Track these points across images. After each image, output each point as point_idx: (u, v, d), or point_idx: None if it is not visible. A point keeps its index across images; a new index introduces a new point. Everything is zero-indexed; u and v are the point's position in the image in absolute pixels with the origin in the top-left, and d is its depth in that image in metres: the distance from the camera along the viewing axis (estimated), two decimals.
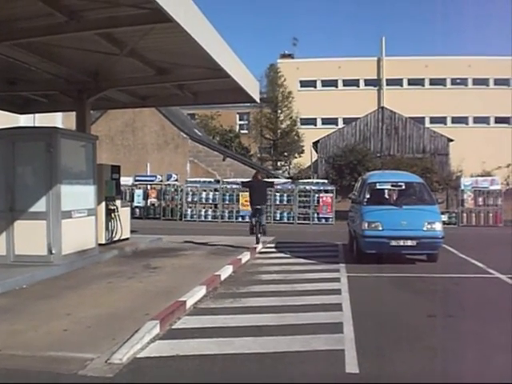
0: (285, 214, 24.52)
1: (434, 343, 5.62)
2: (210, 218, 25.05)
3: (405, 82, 49.49)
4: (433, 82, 48.86)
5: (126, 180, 22.88)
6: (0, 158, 9.67)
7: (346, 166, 30.19)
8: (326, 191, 24.59)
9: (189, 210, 25.39)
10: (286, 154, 44.42)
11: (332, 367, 4.94)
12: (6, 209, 9.54)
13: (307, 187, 24.83)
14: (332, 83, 49.99)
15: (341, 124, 44.99)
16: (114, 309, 6.84)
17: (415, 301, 7.89)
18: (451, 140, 33.57)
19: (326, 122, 48.33)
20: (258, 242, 13.54)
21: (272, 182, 19.43)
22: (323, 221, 23.95)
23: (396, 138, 33.69)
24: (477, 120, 48.08)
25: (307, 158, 41.68)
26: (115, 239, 12.82)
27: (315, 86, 50.54)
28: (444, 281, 9.47)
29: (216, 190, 25.32)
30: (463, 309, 7.32)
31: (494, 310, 7.25)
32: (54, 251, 9.45)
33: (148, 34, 9.29)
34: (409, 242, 10.80)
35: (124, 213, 13.43)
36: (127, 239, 13.55)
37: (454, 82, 48.88)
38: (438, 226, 10.99)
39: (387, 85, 49.26)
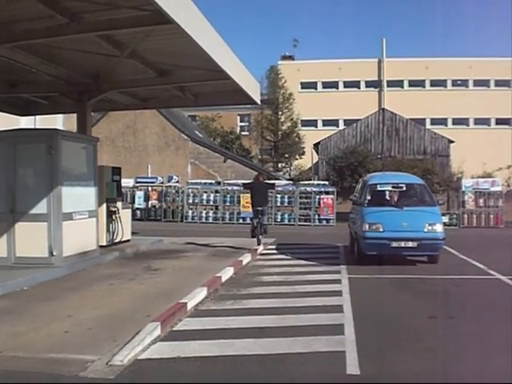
0: (286, 216, 24.50)
1: (434, 344, 5.61)
2: (210, 220, 25.03)
3: (405, 84, 49.51)
4: (433, 83, 48.87)
5: (126, 182, 22.88)
6: (1, 160, 9.69)
7: (347, 168, 30.15)
8: (327, 193, 24.57)
9: (190, 212, 25.38)
10: (286, 155, 44.43)
11: (333, 368, 4.94)
12: (6, 211, 9.55)
13: (308, 189, 24.79)
14: (333, 85, 50.00)
15: (341, 125, 45.03)
16: (115, 310, 6.84)
17: (416, 302, 7.88)
18: (452, 141, 33.54)
19: (326, 123, 48.35)
20: (259, 244, 13.53)
21: (273, 184, 19.43)
22: (324, 222, 23.93)
23: (397, 140, 33.65)
24: (477, 121, 48.08)
25: (308, 159, 41.68)
26: (116, 241, 12.83)
27: (316, 88, 50.58)
28: (445, 282, 9.47)
29: (217, 191, 25.31)
30: (464, 310, 7.32)
31: (495, 312, 7.25)
32: (54, 253, 9.45)
33: (149, 36, 9.30)
34: (410, 244, 10.79)
35: (125, 214, 13.44)
36: (128, 241, 13.56)
37: (454, 83, 48.89)
38: (439, 228, 10.97)
39: (388, 86, 49.28)
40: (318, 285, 8.96)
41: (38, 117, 17.45)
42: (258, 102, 14.94)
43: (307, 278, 9.59)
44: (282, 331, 6.06)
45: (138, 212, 25.62)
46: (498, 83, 47.89)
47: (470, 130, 46.86)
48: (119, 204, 13.19)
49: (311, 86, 50.16)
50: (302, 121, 45.23)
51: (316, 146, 36.24)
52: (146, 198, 26.22)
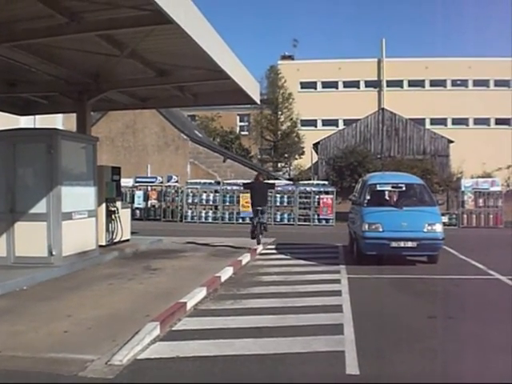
0: (285, 216, 24.51)
1: (434, 344, 5.62)
2: (210, 220, 25.04)
3: (405, 84, 49.50)
4: (433, 83, 48.87)
5: (126, 181, 22.91)
6: (0, 160, 9.69)
7: (347, 168, 30.17)
8: (327, 192, 24.58)
9: (189, 212, 25.38)
10: (286, 155, 44.42)
11: (332, 368, 4.94)
12: (6, 210, 9.55)
13: (307, 188, 24.81)
14: (332, 84, 49.99)
15: (341, 125, 45.02)
16: (115, 310, 6.84)
17: (415, 302, 7.88)
18: (451, 141, 33.56)
19: (326, 123, 48.34)
20: (258, 243, 13.55)
21: (273, 184, 19.46)
22: (323, 222, 23.94)
23: (396, 140, 33.66)
24: (477, 121, 48.08)
25: (307, 159, 41.69)
26: (115, 241, 12.83)
27: (315, 88, 50.56)
28: (444, 282, 9.47)
29: (216, 191, 25.32)
30: (463, 310, 7.32)
31: (495, 312, 7.25)
32: (54, 253, 9.45)
33: (148, 36, 9.30)
34: (409, 244, 10.79)
35: (124, 214, 13.43)
36: (127, 241, 13.56)
37: (454, 83, 48.88)
38: (439, 228, 10.98)
39: (387, 86, 49.27)
40: (318, 285, 8.96)
41: (37, 116, 17.44)
42: (258, 102, 14.95)
43: (306, 278, 9.59)
44: (282, 331, 6.07)
45: (138, 212, 25.63)
46: (498, 83, 47.89)
47: (469, 130, 46.86)
48: (119, 204, 13.19)
49: (311, 85, 50.15)
50: (301, 121, 45.20)
51: (315, 145, 36.26)
52: (146, 198, 26.24)
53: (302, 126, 45.95)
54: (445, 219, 20.08)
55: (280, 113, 44.36)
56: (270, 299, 7.81)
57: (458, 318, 6.80)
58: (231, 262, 10.80)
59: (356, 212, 12.28)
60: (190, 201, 25.49)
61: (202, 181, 26.27)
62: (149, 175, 29.17)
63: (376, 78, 49.71)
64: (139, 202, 26.06)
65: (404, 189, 12.26)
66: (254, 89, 13.65)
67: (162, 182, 26.74)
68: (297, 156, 44.30)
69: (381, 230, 10.89)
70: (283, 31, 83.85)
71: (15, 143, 9.70)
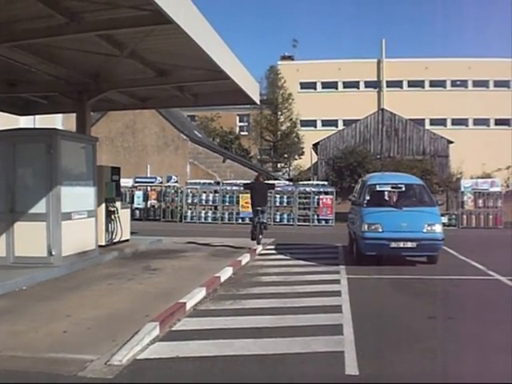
0: (285, 216, 24.52)
1: (433, 345, 5.62)
2: (209, 220, 25.04)
3: (405, 84, 49.49)
4: (433, 83, 48.87)
5: (126, 182, 22.89)
6: (0, 160, 9.68)
7: (346, 168, 30.18)
8: (326, 193, 24.59)
9: (189, 212, 25.38)
10: (285, 155, 44.43)
11: (332, 369, 4.94)
12: (6, 210, 9.55)
13: (307, 189, 24.82)
14: (332, 85, 49.98)
15: (341, 126, 45.01)
16: (114, 310, 6.84)
17: (415, 303, 7.88)
18: (451, 142, 33.56)
19: (325, 123, 48.32)
20: (258, 243, 13.56)
21: (273, 184, 19.48)
22: (323, 222, 23.95)
23: (396, 140, 33.66)
24: (477, 122, 48.07)
25: (307, 159, 41.70)
26: (115, 241, 12.82)
27: (315, 88, 50.55)
28: (444, 283, 9.47)
29: (216, 191, 25.33)
30: (463, 311, 7.32)
31: (494, 312, 7.25)
32: (53, 253, 9.45)
33: (148, 36, 9.30)
34: (409, 244, 10.79)
35: (124, 214, 13.43)
36: (127, 241, 13.56)
37: (453, 83, 48.89)
38: (438, 228, 10.98)
39: (387, 87, 49.27)
40: (317, 285, 8.96)
41: (37, 116, 17.43)
42: (258, 102, 14.95)
43: (306, 279, 9.59)
44: (281, 331, 6.06)
45: (137, 212, 25.64)
46: (498, 84, 47.89)
47: (469, 130, 46.86)
48: (118, 204, 13.19)
49: (310, 86, 50.14)
50: (301, 121, 45.21)
51: (315, 146, 36.25)
52: (145, 198, 26.25)
53: (302, 126, 45.95)
54: (444, 220, 20.10)
55: (280, 113, 44.37)
56: (270, 299, 7.81)
57: (458, 319, 6.79)
58: (231, 263, 10.80)
59: (355, 212, 12.28)
60: (189, 201, 25.49)
61: (202, 181, 26.28)
62: (148, 175, 29.19)
63: (376, 79, 49.71)
64: (139, 202, 26.08)
65: (403, 189, 12.26)
66: (253, 89, 13.66)
67: (161, 182, 26.75)
68: (296, 156, 44.31)
69: (380, 230, 10.89)
70: (283, 31, 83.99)
71: (15, 143, 9.70)
